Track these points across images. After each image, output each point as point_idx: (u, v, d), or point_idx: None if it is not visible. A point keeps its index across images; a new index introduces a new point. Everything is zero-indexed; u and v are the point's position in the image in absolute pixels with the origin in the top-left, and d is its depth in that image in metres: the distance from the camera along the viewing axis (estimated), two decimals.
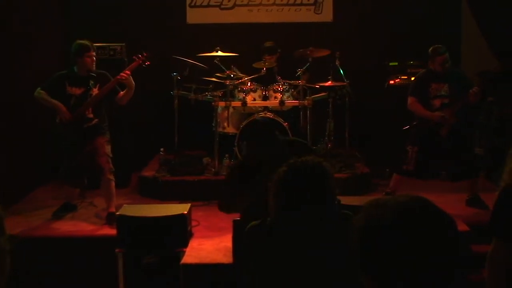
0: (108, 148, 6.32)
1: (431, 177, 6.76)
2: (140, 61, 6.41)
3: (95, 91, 6.24)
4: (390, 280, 1.56)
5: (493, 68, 6.47)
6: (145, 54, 6.44)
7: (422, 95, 6.44)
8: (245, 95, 7.36)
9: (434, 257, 1.54)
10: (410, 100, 6.52)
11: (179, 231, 5.44)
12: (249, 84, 7.48)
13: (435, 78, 6.42)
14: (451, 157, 6.39)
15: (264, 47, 8.02)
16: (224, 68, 7.38)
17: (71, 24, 8.51)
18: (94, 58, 6.23)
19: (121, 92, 6.31)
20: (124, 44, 7.90)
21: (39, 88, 6.20)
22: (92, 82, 6.21)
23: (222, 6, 8.82)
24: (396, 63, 8.26)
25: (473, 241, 5.27)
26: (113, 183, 6.31)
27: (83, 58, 6.15)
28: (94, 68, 6.23)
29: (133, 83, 6.25)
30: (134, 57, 6.49)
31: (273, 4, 8.78)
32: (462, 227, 5.58)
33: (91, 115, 6.26)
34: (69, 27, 8.45)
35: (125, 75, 6.18)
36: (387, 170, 7.33)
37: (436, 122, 6.33)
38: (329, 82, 7.51)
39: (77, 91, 6.21)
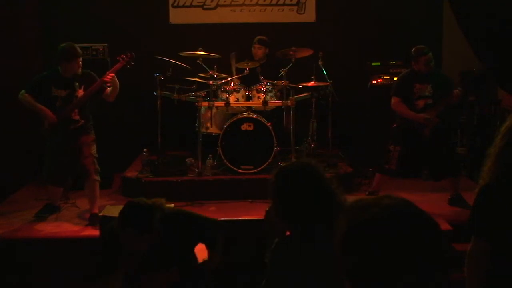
0: (93, 149, 6.28)
1: (413, 176, 6.79)
2: (125, 62, 6.37)
3: (81, 92, 6.18)
4: (374, 284, 1.56)
5: (476, 69, 6.52)
6: (129, 55, 6.40)
7: (406, 95, 6.47)
8: (228, 95, 7.35)
9: (418, 259, 1.54)
10: (394, 100, 6.53)
11: None
12: (232, 84, 7.48)
13: (419, 78, 6.44)
14: (434, 156, 6.43)
15: (257, 38, 8.05)
16: (207, 68, 7.37)
17: (53, 23, 8.46)
18: (80, 63, 6.18)
19: (108, 89, 6.27)
20: (106, 44, 7.86)
21: (23, 91, 6.13)
22: (77, 84, 6.17)
23: (205, 6, 8.81)
24: (379, 63, 8.30)
25: (455, 240, 5.30)
26: (98, 184, 6.29)
27: (71, 63, 6.09)
28: (80, 72, 6.18)
29: (118, 82, 6.22)
30: (118, 57, 6.44)
31: (256, 4, 8.79)
32: (444, 226, 5.63)
33: (77, 117, 6.21)
34: (51, 27, 8.40)
35: (109, 77, 6.14)
36: (370, 170, 7.37)
37: (420, 122, 6.35)
38: (312, 82, 7.54)
39: (62, 93, 6.15)
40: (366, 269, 1.55)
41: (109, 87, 6.21)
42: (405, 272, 1.53)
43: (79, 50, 6.18)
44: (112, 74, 6.17)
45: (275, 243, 2.76)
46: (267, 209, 3.02)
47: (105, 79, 6.13)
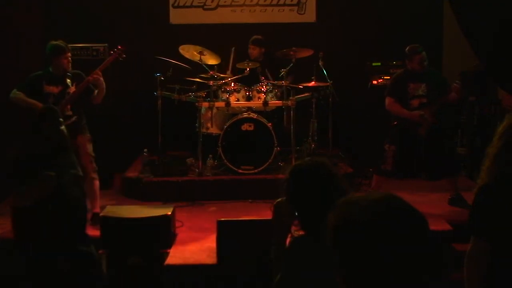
0: (90, 147, 6.29)
1: (410, 176, 6.77)
2: (116, 55, 6.40)
3: (72, 89, 6.22)
4: (363, 279, 1.55)
5: (474, 66, 6.50)
6: (119, 47, 6.43)
7: (400, 95, 6.45)
8: (229, 95, 7.36)
9: (405, 254, 1.53)
10: (388, 100, 6.51)
11: (163, 232, 5.43)
12: (232, 85, 7.48)
13: (412, 78, 6.42)
14: (430, 156, 6.40)
15: (252, 38, 8.05)
16: (207, 69, 7.38)
17: (53, 23, 8.46)
18: (70, 59, 6.21)
19: (95, 91, 6.30)
20: (106, 44, 7.87)
21: (15, 89, 6.18)
22: (69, 81, 6.21)
23: (205, 7, 8.81)
24: (379, 64, 8.30)
25: (455, 240, 5.31)
26: (97, 182, 6.29)
27: (59, 59, 6.14)
28: (70, 69, 6.22)
29: (104, 83, 6.24)
30: (111, 51, 6.49)
31: (256, 4, 8.79)
32: (444, 226, 5.62)
33: (69, 112, 6.22)
34: (52, 27, 8.40)
35: (95, 75, 6.16)
36: (370, 170, 7.36)
37: (415, 121, 6.34)
38: (313, 82, 7.55)
39: (55, 89, 6.19)
40: (353, 265, 1.56)
41: (96, 83, 6.22)
42: (393, 269, 1.52)
43: (66, 45, 6.22)
44: (99, 72, 6.18)
45: (290, 241, 2.78)
46: (275, 203, 3.01)
47: (91, 77, 6.16)
